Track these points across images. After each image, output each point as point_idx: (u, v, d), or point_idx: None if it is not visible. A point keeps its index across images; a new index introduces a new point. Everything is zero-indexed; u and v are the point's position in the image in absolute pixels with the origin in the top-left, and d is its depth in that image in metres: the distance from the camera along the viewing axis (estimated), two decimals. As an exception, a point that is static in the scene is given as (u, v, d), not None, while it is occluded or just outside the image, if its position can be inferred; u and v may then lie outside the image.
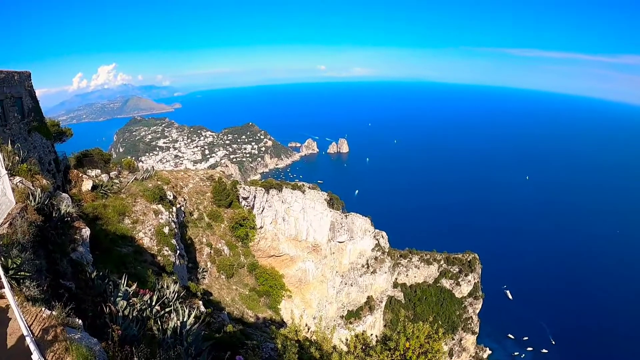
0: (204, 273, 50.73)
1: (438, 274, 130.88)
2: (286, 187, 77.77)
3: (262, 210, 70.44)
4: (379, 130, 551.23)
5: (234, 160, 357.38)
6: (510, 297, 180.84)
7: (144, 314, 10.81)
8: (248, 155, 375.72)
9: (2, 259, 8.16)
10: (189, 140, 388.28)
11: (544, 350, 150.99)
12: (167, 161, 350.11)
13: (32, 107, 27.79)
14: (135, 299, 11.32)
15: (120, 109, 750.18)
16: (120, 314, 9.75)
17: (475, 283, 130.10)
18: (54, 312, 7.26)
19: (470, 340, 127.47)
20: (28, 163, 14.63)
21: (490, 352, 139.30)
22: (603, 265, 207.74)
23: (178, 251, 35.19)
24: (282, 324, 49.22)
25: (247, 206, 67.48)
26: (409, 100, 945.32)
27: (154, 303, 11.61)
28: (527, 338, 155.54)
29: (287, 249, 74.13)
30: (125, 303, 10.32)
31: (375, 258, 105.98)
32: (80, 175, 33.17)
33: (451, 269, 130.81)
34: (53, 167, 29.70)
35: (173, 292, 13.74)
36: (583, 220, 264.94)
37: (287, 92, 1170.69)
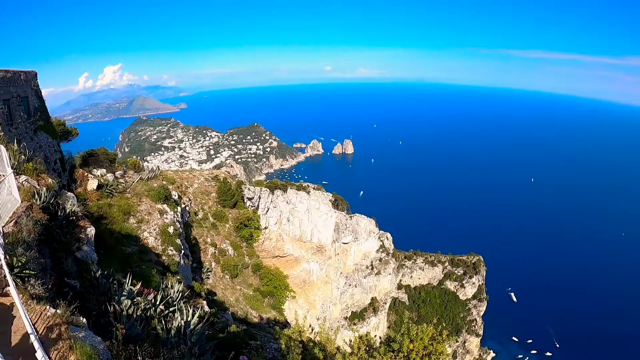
0: (208, 273, 50.82)
1: (442, 275, 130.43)
2: (291, 188, 77.87)
3: (267, 211, 70.54)
4: (384, 131, 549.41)
5: (239, 160, 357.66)
6: (514, 299, 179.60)
7: (148, 313, 10.84)
8: (253, 155, 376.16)
9: (8, 257, 8.20)
10: (194, 141, 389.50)
11: (548, 354, 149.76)
12: (172, 161, 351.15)
13: (38, 106, 27.99)
14: (139, 298, 11.36)
15: (125, 109, 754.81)
16: (124, 313, 9.78)
17: (479, 285, 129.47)
18: (58, 311, 7.27)
19: (474, 342, 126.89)
20: (34, 162, 14.72)
21: (494, 354, 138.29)
22: (608, 267, 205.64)
23: (182, 251, 35.30)
24: (286, 324, 49.23)
25: (251, 206, 67.59)
26: (413, 101, 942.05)
27: (158, 302, 11.64)
28: (531, 341, 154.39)
29: (291, 249, 74.14)
30: (129, 302, 10.35)
31: (380, 259, 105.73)
32: (86, 174, 33.36)
33: (456, 271, 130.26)
34: (59, 166, 29.87)
35: (177, 292, 13.76)
36: (588, 223, 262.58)
37: (293, 93, 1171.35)
